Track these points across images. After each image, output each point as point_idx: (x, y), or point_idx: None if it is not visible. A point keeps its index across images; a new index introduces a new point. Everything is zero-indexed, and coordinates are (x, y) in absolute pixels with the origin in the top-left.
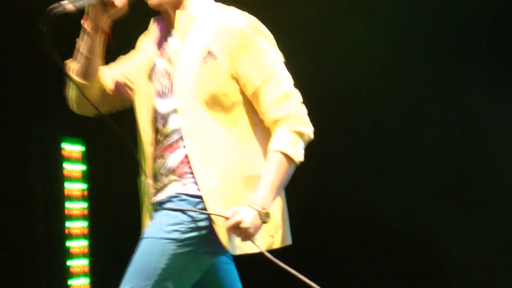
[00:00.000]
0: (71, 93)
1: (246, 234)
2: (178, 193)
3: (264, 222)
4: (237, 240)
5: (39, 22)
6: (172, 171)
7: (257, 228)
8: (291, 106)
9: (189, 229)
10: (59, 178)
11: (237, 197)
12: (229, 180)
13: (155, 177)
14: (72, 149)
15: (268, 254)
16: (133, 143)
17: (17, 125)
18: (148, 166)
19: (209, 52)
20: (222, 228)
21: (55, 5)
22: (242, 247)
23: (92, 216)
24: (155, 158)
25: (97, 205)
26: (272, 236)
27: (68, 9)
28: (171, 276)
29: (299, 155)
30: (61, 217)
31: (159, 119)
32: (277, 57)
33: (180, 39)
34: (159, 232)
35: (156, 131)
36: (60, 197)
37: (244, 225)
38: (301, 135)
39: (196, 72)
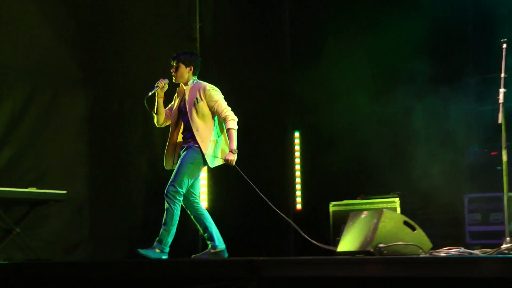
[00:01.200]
0: (156, 120)
1: (232, 163)
2: (190, 146)
3: (236, 153)
4: (217, 161)
5: (144, 99)
6: (188, 140)
7: (234, 160)
8: (228, 111)
9: (198, 159)
10: None
11: (215, 149)
12: (207, 142)
13: (181, 143)
14: None
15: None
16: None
17: None
18: (175, 139)
19: (196, 98)
20: (208, 157)
21: (148, 94)
22: (217, 163)
23: None
24: (181, 137)
25: None
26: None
27: (150, 95)
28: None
29: (236, 128)
30: None
31: (183, 123)
32: (221, 97)
33: (187, 95)
34: (187, 158)
35: (180, 127)
36: None
37: (232, 158)
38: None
39: (193, 107)
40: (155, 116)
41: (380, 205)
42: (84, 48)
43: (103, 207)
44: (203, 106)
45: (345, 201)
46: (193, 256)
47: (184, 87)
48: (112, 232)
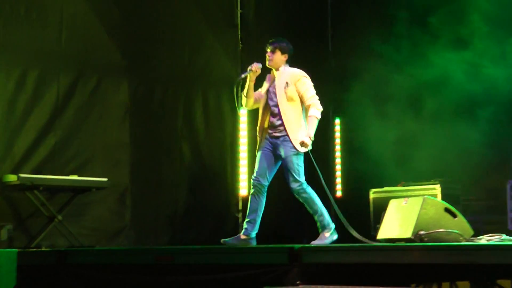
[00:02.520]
0: (245, 102)
1: (306, 146)
2: (283, 140)
3: (312, 141)
4: (300, 147)
5: (235, 84)
6: (278, 127)
7: (309, 144)
8: (315, 99)
9: (295, 151)
10: None
11: (299, 132)
12: (296, 126)
13: (267, 128)
14: None
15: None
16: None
17: None
18: (263, 124)
19: (286, 83)
20: (296, 142)
21: (241, 77)
22: (303, 149)
23: None
24: (269, 121)
25: None
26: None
27: (243, 77)
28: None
29: (318, 116)
30: None
31: (271, 108)
32: (311, 84)
33: (277, 80)
34: (289, 156)
35: (268, 111)
36: None
37: (307, 142)
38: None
39: (283, 91)
40: (244, 98)
41: (421, 192)
42: (127, 36)
43: (145, 194)
44: (292, 91)
45: (385, 188)
46: (222, 240)
47: (275, 73)
48: (154, 219)
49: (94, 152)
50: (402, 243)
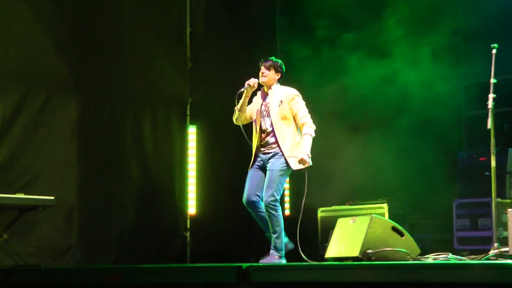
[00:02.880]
0: (236, 117)
1: (304, 163)
2: (275, 153)
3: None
4: (296, 164)
5: (236, 97)
6: (271, 145)
7: (308, 162)
8: (308, 118)
9: (285, 166)
10: None
11: (295, 150)
12: (291, 144)
13: (259, 147)
14: None
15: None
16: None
17: None
18: (255, 142)
19: (281, 101)
20: (290, 159)
21: (240, 91)
22: (297, 167)
23: None
24: (261, 139)
25: None
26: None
27: (242, 91)
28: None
29: (313, 134)
30: None
31: (263, 125)
32: (303, 103)
33: (270, 98)
34: (275, 169)
35: (261, 130)
36: None
37: (305, 159)
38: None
39: (277, 109)
40: (237, 113)
41: (368, 211)
42: (75, 53)
43: (92, 212)
44: (286, 109)
45: (333, 207)
46: (260, 260)
47: (268, 90)
48: (101, 238)
49: (41, 169)
50: (350, 262)
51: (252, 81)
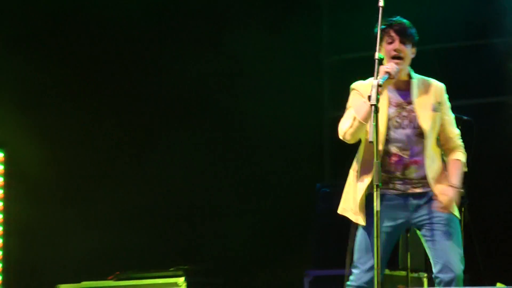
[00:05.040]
0: (353, 130)
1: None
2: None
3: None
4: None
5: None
6: (416, 182)
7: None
8: (460, 140)
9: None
10: None
11: (444, 184)
12: (441, 178)
13: (390, 180)
14: None
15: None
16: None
17: None
18: (377, 171)
19: (438, 103)
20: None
21: (379, 80)
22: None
23: None
24: (394, 166)
25: None
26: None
27: (381, 84)
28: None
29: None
30: None
31: (400, 144)
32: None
33: (415, 94)
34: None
35: (394, 151)
36: None
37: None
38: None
39: (431, 116)
40: (358, 124)
41: None
42: None
43: None
44: (439, 118)
45: (83, 283)
46: None
47: (404, 82)
48: None
49: None
50: None
51: (393, 68)
